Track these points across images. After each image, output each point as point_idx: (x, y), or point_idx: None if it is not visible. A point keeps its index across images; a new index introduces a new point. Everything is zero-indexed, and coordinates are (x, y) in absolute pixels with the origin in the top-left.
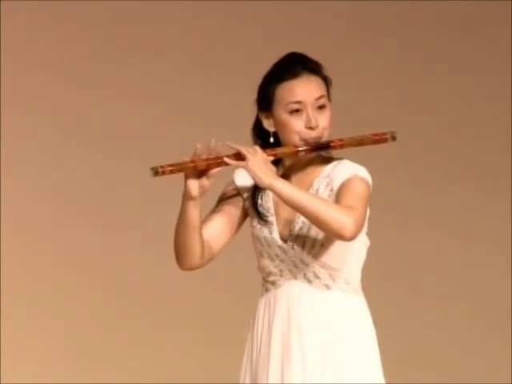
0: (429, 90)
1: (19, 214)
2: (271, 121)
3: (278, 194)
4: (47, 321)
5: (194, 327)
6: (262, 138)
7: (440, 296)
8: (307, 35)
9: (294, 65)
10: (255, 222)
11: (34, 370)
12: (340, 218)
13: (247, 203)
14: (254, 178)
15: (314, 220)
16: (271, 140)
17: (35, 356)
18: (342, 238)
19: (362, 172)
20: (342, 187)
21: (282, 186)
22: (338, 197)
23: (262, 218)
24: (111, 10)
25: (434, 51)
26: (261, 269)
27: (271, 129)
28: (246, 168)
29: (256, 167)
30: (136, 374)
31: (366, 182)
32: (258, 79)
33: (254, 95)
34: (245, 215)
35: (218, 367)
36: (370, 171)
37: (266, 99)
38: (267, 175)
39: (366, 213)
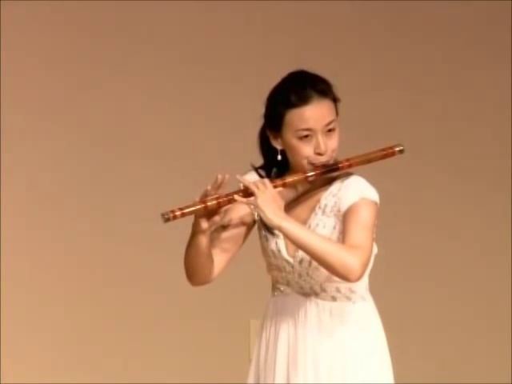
0: (429, 92)
1: (19, 214)
2: (279, 140)
3: (285, 235)
4: (47, 321)
5: (195, 327)
6: (270, 152)
7: (440, 296)
8: (308, 38)
9: (303, 88)
10: (263, 234)
11: (34, 370)
12: (346, 262)
13: (255, 213)
14: (262, 217)
15: (321, 262)
16: (279, 157)
17: (35, 356)
18: (347, 280)
19: (368, 193)
20: (349, 213)
21: (289, 227)
22: (346, 225)
23: (269, 230)
24: (112, 10)
25: (434, 50)
26: (270, 275)
27: (279, 147)
28: (256, 206)
29: (265, 206)
30: (136, 373)
31: (373, 204)
32: (261, 79)
33: (258, 97)
34: (252, 224)
35: (218, 367)
36: (374, 176)
37: (274, 121)
38: (276, 215)
39: (372, 244)
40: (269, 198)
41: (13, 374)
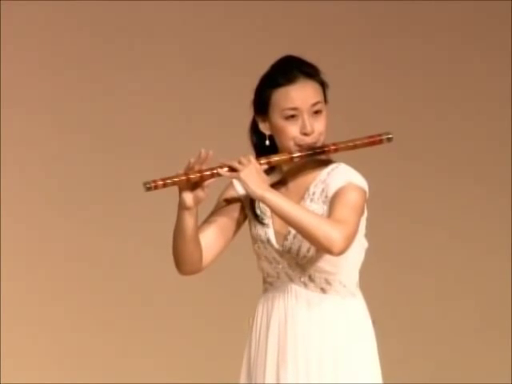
0: (428, 90)
1: (19, 214)
2: (267, 124)
3: (269, 206)
4: (47, 321)
5: (194, 327)
6: (259, 139)
7: (440, 296)
8: (307, 34)
9: (289, 69)
10: (253, 224)
11: (34, 370)
12: (329, 234)
13: (245, 205)
14: (245, 190)
15: (304, 234)
16: (267, 143)
17: (35, 356)
18: (330, 253)
19: (356, 179)
20: (336, 196)
21: (273, 198)
22: (331, 206)
23: (258, 220)
24: (111, 10)
25: (432, 51)
26: (260, 269)
27: (267, 132)
28: (239, 179)
29: (248, 178)
30: (136, 373)
31: (361, 190)
32: (257, 79)
33: (252, 95)
34: (243, 218)
35: (218, 367)
36: (368, 171)
37: (261, 103)
38: (259, 187)
39: (358, 224)
40: (252, 172)
41: (13, 374)
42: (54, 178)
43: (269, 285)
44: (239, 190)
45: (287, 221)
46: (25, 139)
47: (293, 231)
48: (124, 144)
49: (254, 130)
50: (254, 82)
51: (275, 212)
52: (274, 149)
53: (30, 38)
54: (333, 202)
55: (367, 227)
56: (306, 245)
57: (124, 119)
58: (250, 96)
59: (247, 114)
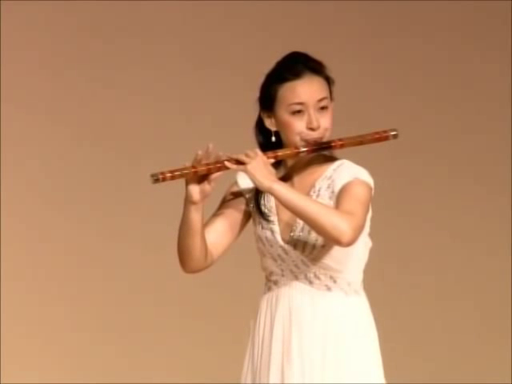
0: (428, 90)
1: (19, 214)
2: (273, 120)
3: (277, 198)
4: (47, 321)
5: (195, 327)
6: (264, 136)
7: (440, 296)
8: (307, 34)
9: (296, 65)
10: (258, 222)
11: (33, 370)
12: (338, 224)
13: (250, 203)
14: (253, 182)
15: (312, 225)
16: (273, 139)
17: (35, 356)
18: (339, 243)
19: (363, 175)
20: (343, 191)
21: (281, 189)
22: (339, 200)
23: (264, 217)
24: (111, 10)
25: (434, 50)
26: (263, 268)
27: (273, 128)
28: (246, 171)
29: (255, 170)
30: (136, 373)
31: (367, 186)
32: (259, 79)
33: (255, 95)
34: (247, 216)
35: (218, 367)
36: (372, 170)
37: (267, 99)
38: (267, 178)
39: (365, 217)
40: (260, 164)
41: (13, 374)
42: (54, 177)
43: (272, 283)
44: (244, 188)
45: (295, 211)
46: (25, 139)
47: (298, 228)
48: (124, 144)
49: (260, 127)
50: (254, 81)
51: (283, 203)
52: (279, 146)
53: (30, 38)
54: (340, 196)
55: (370, 226)
56: (311, 242)
57: (124, 119)
58: (250, 96)
59: (247, 113)
